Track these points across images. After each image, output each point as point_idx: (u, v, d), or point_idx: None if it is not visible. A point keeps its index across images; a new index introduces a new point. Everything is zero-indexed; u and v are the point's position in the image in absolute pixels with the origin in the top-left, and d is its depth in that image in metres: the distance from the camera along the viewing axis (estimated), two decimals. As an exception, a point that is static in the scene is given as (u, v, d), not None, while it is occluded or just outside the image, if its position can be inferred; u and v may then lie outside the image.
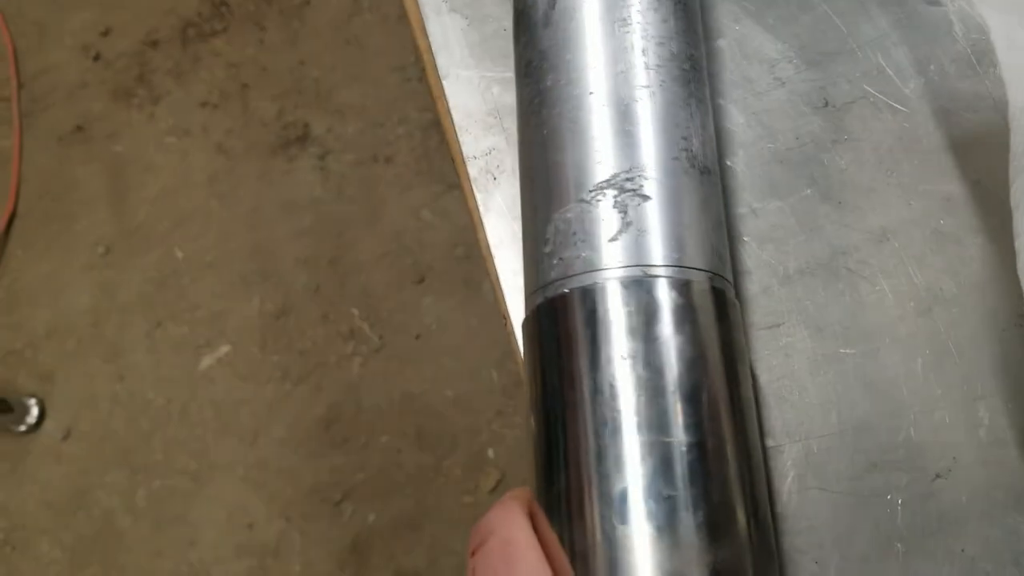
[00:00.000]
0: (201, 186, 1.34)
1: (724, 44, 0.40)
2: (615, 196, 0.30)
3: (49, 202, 1.36)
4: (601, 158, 0.30)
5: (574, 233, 0.30)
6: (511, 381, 1.21)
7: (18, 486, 1.23)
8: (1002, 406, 0.34)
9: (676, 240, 0.29)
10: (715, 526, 0.26)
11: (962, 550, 0.33)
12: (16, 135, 1.39)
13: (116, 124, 1.38)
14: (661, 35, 0.32)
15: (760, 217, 0.37)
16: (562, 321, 0.29)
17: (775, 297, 0.36)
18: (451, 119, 0.43)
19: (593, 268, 0.29)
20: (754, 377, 0.35)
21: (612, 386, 0.27)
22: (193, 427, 1.22)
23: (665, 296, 0.28)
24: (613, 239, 0.29)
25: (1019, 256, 0.29)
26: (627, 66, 0.31)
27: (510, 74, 0.43)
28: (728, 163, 0.38)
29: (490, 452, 1.18)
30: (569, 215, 0.30)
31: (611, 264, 0.29)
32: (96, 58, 1.42)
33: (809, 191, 0.37)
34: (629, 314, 0.28)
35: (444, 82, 0.43)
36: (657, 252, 0.29)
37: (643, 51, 0.32)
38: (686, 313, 0.28)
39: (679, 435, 0.27)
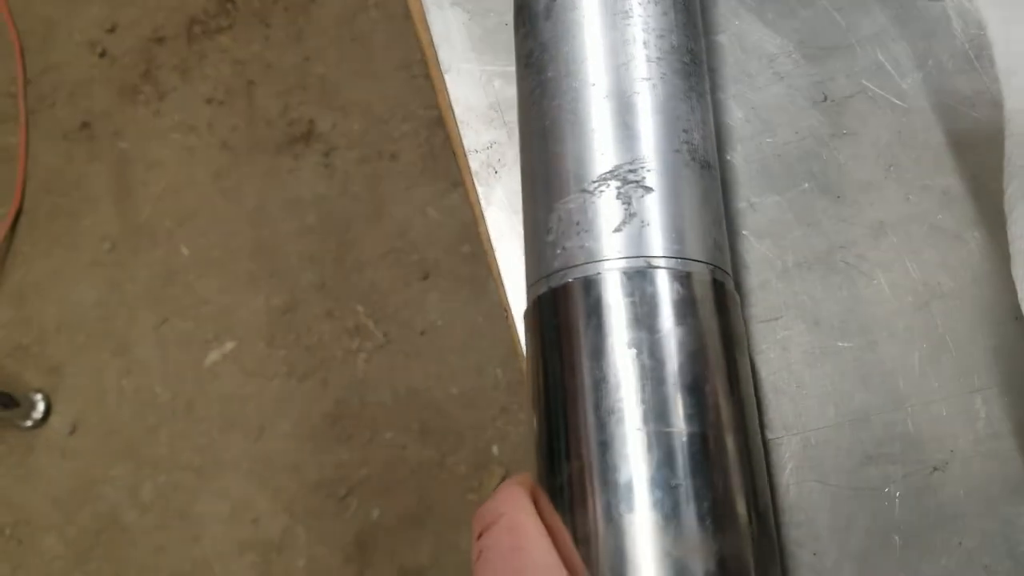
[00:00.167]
0: (206, 183, 1.34)
1: (724, 39, 0.40)
2: (618, 187, 0.30)
3: (55, 198, 1.37)
4: (604, 149, 0.31)
5: (577, 223, 0.30)
6: (516, 378, 1.21)
7: (24, 480, 1.24)
8: (999, 399, 0.34)
9: (678, 232, 0.30)
10: (719, 515, 0.26)
11: (959, 542, 0.33)
12: (22, 132, 1.40)
13: (122, 121, 1.39)
14: (662, 28, 0.32)
15: (758, 211, 0.37)
16: (564, 311, 0.29)
17: (773, 291, 0.36)
18: (453, 113, 0.43)
19: (596, 258, 0.29)
20: (754, 369, 0.35)
21: (616, 376, 0.27)
22: (199, 422, 1.23)
23: (667, 287, 0.29)
24: (617, 230, 0.29)
25: (1014, 260, 0.29)
26: (628, 58, 0.32)
27: (512, 68, 0.43)
28: (727, 157, 0.38)
29: (495, 449, 1.19)
30: (572, 205, 0.30)
31: (614, 254, 0.29)
32: (102, 55, 1.43)
33: (807, 185, 0.37)
34: (632, 304, 0.28)
35: (446, 76, 0.43)
36: (660, 243, 0.29)
37: (644, 43, 0.32)
38: (688, 304, 0.29)
39: (684, 425, 0.27)
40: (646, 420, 0.27)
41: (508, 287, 0.40)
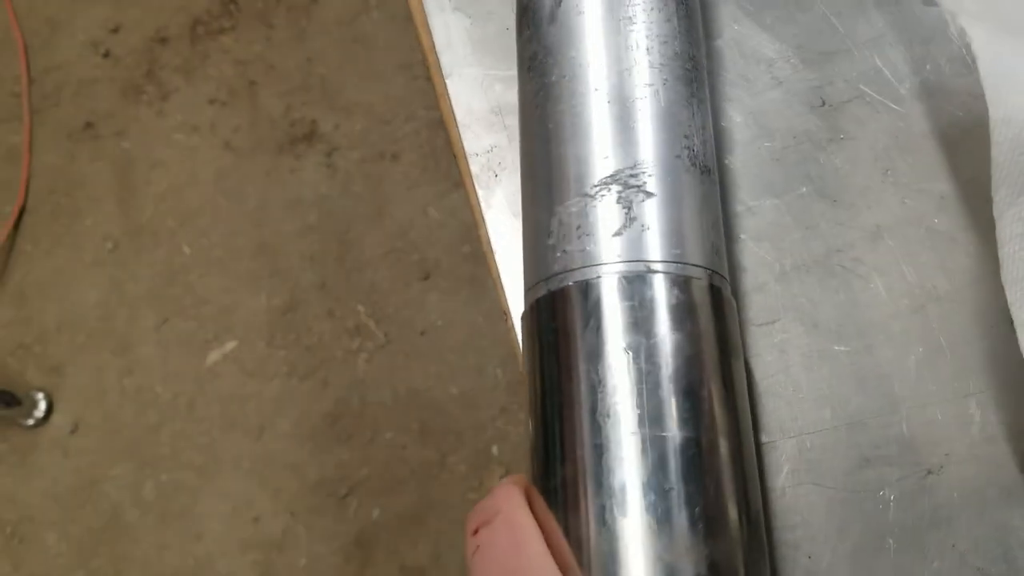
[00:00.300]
0: (209, 183, 1.35)
1: (722, 43, 0.40)
2: (619, 192, 0.30)
3: (58, 198, 1.37)
4: (605, 154, 0.31)
5: (578, 227, 0.30)
6: (516, 378, 1.21)
7: (26, 479, 1.24)
8: (994, 402, 0.34)
9: (677, 237, 0.30)
10: (710, 520, 0.26)
11: (953, 545, 0.33)
12: (26, 131, 1.40)
13: (125, 121, 1.39)
14: (665, 34, 0.33)
15: (756, 215, 0.37)
16: (563, 313, 0.29)
17: (770, 294, 0.36)
18: (454, 117, 0.43)
19: (596, 262, 0.30)
20: (749, 374, 0.36)
21: (612, 379, 0.28)
22: (200, 421, 1.24)
23: (666, 292, 0.29)
24: (617, 234, 0.30)
25: (1003, 265, 0.30)
26: (631, 64, 0.32)
27: (512, 72, 0.43)
28: (725, 161, 0.38)
29: (494, 449, 1.19)
30: (573, 209, 0.31)
31: (614, 258, 0.29)
32: (106, 55, 1.43)
33: (805, 189, 0.38)
34: (631, 308, 0.28)
35: (447, 80, 0.44)
36: (659, 248, 0.30)
37: (647, 50, 0.32)
38: (686, 309, 0.29)
39: (678, 430, 0.27)
40: (641, 424, 0.27)
41: (508, 290, 0.40)
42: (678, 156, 0.31)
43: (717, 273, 0.31)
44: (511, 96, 0.43)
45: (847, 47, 0.39)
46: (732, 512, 0.27)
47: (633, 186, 0.30)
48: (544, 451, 0.29)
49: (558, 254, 0.30)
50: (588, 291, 0.29)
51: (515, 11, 0.38)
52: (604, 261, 0.29)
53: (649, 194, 0.30)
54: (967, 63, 0.38)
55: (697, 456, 0.27)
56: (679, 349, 0.28)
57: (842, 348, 0.35)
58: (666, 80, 0.32)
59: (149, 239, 1.33)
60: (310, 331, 1.26)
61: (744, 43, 0.40)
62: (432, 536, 1.16)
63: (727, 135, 0.39)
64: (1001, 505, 0.33)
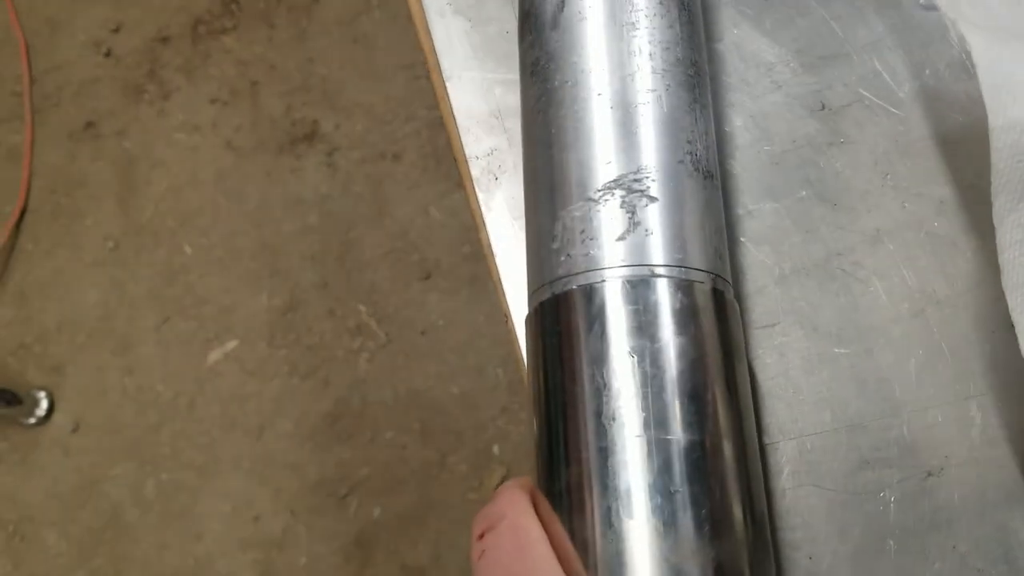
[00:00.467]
0: (210, 182, 1.35)
1: (722, 47, 0.41)
2: (623, 196, 0.30)
3: (59, 197, 1.37)
4: (609, 159, 0.31)
5: (582, 231, 0.30)
6: (516, 378, 1.22)
7: (27, 478, 1.24)
8: (993, 405, 0.34)
9: (681, 241, 0.30)
10: (716, 522, 0.27)
11: (953, 547, 0.33)
12: (28, 130, 1.40)
13: (126, 120, 1.40)
14: (667, 40, 0.33)
15: (756, 218, 0.38)
16: (568, 317, 0.30)
17: (770, 297, 0.36)
18: (454, 120, 0.43)
19: (600, 266, 0.30)
20: (753, 377, 0.36)
21: (617, 383, 0.28)
22: (200, 421, 1.24)
23: (670, 296, 0.29)
24: (621, 238, 0.30)
25: (1003, 271, 0.30)
26: (634, 69, 0.32)
27: (513, 76, 0.43)
28: (725, 165, 0.39)
29: (495, 449, 1.19)
30: (577, 213, 0.31)
31: (618, 263, 0.30)
32: (107, 54, 1.44)
33: (805, 193, 0.38)
34: (635, 312, 0.29)
35: (447, 83, 0.44)
36: (663, 253, 0.30)
37: (650, 55, 0.32)
38: (689, 313, 0.29)
39: (683, 432, 0.27)
40: (646, 427, 0.27)
41: (508, 292, 0.40)
42: (681, 161, 0.31)
43: (720, 277, 0.31)
44: (511, 99, 0.43)
45: (846, 51, 0.40)
46: (738, 514, 0.27)
47: (637, 191, 0.30)
48: (548, 453, 0.29)
49: (562, 258, 0.31)
50: (592, 295, 0.29)
51: (516, 16, 0.38)
52: (608, 265, 0.30)
53: (652, 199, 0.30)
54: (966, 68, 0.38)
55: (702, 458, 0.27)
56: (683, 353, 0.28)
57: (842, 351, 0.36)
58: (668, 86, 0.32)
59: (150, 239, 1.33)
60: (311, 331, 1.26)
61: (744, 47, 0.40)
62: (432, 536, 1.16)
63: (727, 139, 0.39)
64: (1001, 507, 0.33)
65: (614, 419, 0.27)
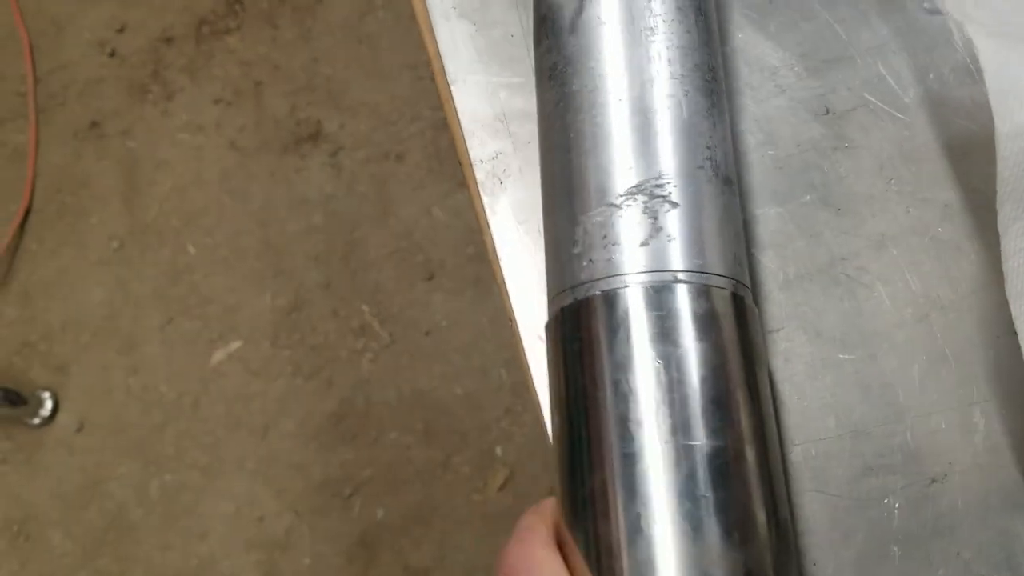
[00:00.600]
0: (214, 182, 1.35)
1: (726, 51, 0.41)
2: (645, 202, 0.30)
3: (64, 197, 1.37)
4: (630, 164, 0.31)
5: (604, 236, 0.30)
6: (520, 380, 1.22)
7: (32, 478, 1.25)
8: (997, 412, 0.34)
9: (702, 247, 0.30)
10: (743, 527, 0.27)
11: (957, 553, 0.33)
12: (32, 130, 1.41)
13: (130, 120, 1.40)
14: (685, 45, 0.33)
15: (760, 223, 0.38)
16: (590, 322, 0.30)
17: (775, 302, 0.36)
18: (459, 123, 0.43)
19: (623, 271, 0.30)
20: (772, 382, 0.36)
21: (643, 389, 0.28)
22: (205, 421, 1.24)
23: (693, 301, 0.29)
24: (643, 243, 0.30)
25: (1007, 279, 0.30)
26: (654, 75, 0.32)
27: (517, 79, 0.43)
28: (730, 169, 0.39)
29: (498, 450, 1.19)
30: (599, 218, 0.31)
31: (641, 268, 0.30)
32: (111, 54, 1.44)
33: (809, 198, 0.38)
34: (659, 318, 0.29)
35: (452, 87, 0.44)
36: (685, 258, 0.30)
37: (669, 61, 0.32)
38: (712, 319, 0.29)
39: (710, 438, 0.28)
40: (674, 433, 0.27)
41: (513, 296, 0.40)
42: (701, 167, 0.31)
43: (740, 282, 0.31)
44: (516, 103, 0.43)
45: (850, 55, 0.40)
46: (763, 518, 0.28)
47: (658, 196, 0.30)
48: (570, 458, 0.29)
49: (584, 263, 0.31)
50: (616, 300, 0.29)
51: (521, 20, 0.38)
52: (631, 271, 0.30)
53: (674, 204, 0.30)
54: (971, 72, 0.38)
55: (729, 464, 0.27)
56: (707, 358, 0.28)
57: (846, 357, 0.36)
58: (687, 91, 0.32)
59: (154, 238, 1.33)
60: (315, 331, 1.27)
61: (748, 51, 0.40)
62: (436, 536, 1.16)
63: (732, 143, 0.39)
64: (1004, 513, 0.33)
65: (641, 425, 0.27)
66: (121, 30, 1.45)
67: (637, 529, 0.26)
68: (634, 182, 0.31)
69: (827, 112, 0.39)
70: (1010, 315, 0.30)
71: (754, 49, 0.40)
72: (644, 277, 0.29)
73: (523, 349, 0.40)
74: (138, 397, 1.26)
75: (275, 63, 1.41)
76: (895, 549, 0.33)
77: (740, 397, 0.29)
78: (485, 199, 0.42)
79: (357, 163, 1.34)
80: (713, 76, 0.33)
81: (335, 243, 1.31)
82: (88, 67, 1.44)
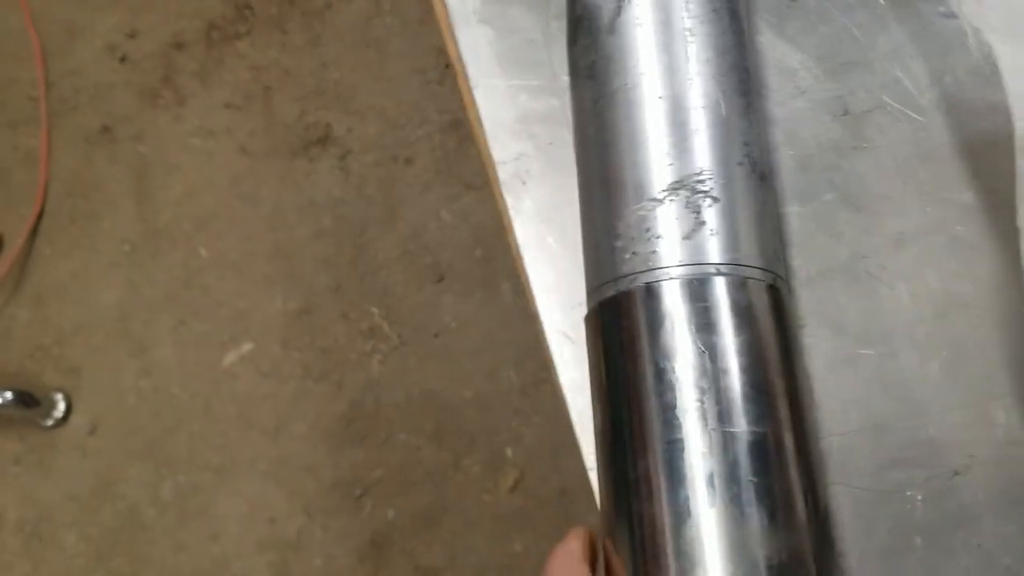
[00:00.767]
0: (224, 186, 1.36)
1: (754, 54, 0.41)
2: (687, 197, 0.31)
3: (76, 201, 1.38)
4: (671, 160, 0.32)
5: (647, 229, 0.31)
6: (529, 381, 1.22)
7: (45, 479, 1.26)
8: (1017, 405, 0.35)
9: (742, 241, 0.31)
10: (786, 511, 0.28)
11: (979, 544, 0.34)
12: (44, 134, 1.42)
13: (142, 125, 1.41)
14: (722, 46, 0.34)
15: (782, 221, 0.38)
16: (635, 314, 0.31)
17: (797, 299, 0.37)
18: (481, 126, 0.44)
19: (667, 264, 0.31)
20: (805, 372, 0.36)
21: (688, 378, 0.29)
22: (216, 422, 1.25)
23: (735, 293, 0.30)
24: (686, 237, 0.31)
25: None
26: (693, 74, 0.33)
27: (537, 82, 0.44)
28: (751, 170, 0.39)
29: (508, 451, 1.20)
30: (642, 212, 0.32)
31: (683, 261, 0.31)
32: (123, 59, 1.45)
33: (829, 197, 0.38)
34: (704, 309, 0.30)
35: (474, 91, 0.45)
36: (726, 251, 0.31)
37: (707, 61, 0.33)
38: (753, 309, 0.30)
39: (754, 425, 0.29)
40: (720, 420, 0.28)
41: (536, 293, 0.41)
42: (740, 163, 0.32)
43: (777, 275, 0.32)
44: (536, 105, 0.44)
45: (868, 58, 0.40)
46: (802, 503, 0.29)
47: (700, 191, 0.31)
48: (614, 444, 0.30)
49: (627, 256, 0.31)
50: (660, 292, 0.30)
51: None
52: (674, 263, 0.31)
53: (715, 199, 0.31)
54: (986, 75, 0.39)
55: (771, 450, 0.28)
56: (749, 348, 0.29)
57: (868, 352, 0.36)
58: (725, 90, 0.33)
59: (166, 242, 1.34)
60: (325, 333, 1.27)
61: (767, 54, 0.41)
62: (447, 537, 1.17)
63: (752, 144, 0.40)
64: (1024, 505, 0.34)
65: (687, 413, 0.28)
66: (132, 35, 1.46)
67: (686, 511, 0.27)
68: (675, 178, 0.32)
69: (846, 113, 0.40)
70: (1029, 311, 0.31)
71: (773, 52, 0.41)
72: (686, 270, 0.30)
73: (546, 345, 0.40)
74: (150, 399, 1.27)
75: (284, 68, 1.42)
76: (918, 540, 0.34)
77: (779, 385, 0.30)
78: (508, 199, 0.43)
79: (366, 166, 1.35)
80: (748, 75, 0.34)
81: (344, 246, 1.31)
82: (99, 72, 1.45)
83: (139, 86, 1.43)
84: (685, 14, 0.34)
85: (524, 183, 0.43)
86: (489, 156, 0.44)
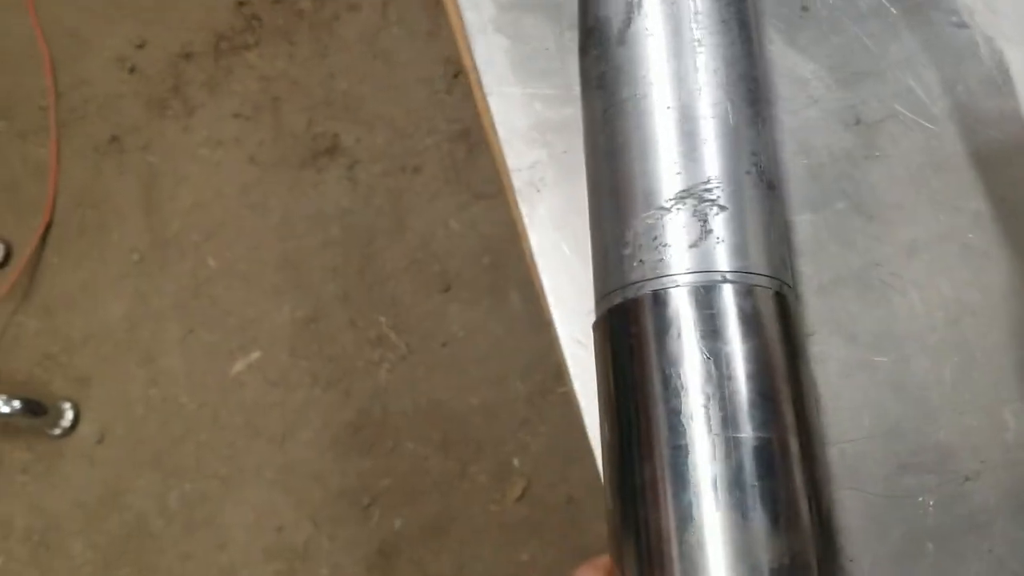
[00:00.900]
0: (233, 196, 1.37)
1: (764, 64, 0.42)
2: (695, 205, 0.32)
3: (85, 211, 1.39)
4: (680, 169, 0.32)
5: (655, 238, 0.32)
6: (536, 390, 1.22)
7: (53, 488, 1.26)
8: (1029, 412, 0.35)
9: (749, 248, 0.32)
10: (789, 515, 0.28)
11: (990, 550, 0.34)
12: (53, 145, 1.43)
13: (151, 135, 1.42)
14: (731, 56, 0.35)
15: (795, 229, 0.39)
16: (642, 320, 0.31)
17: (809, 306, 0.38)
18: (496, 134, 0.45)
19: (674, 271, 0.31)
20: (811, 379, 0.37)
21: (694, 384, 0.29)
22: (224, 431, 1.25)
23: (741, 300, 0.31)
24: (693, 245, 0.31)
25: None
26: (701, 84, 0.34)
27: (551, 91, 0.45)
28: (763, 178, 0.40)
29: (515, 461, 1.20)
30: (650, 221, 0.32)
31: (690, 268, 0.31)
32: (132, 70, 1.46)
33: (842, 205, 0.39)
34: (710, 316, 0.30)
35: (489, 99, 0.45)
36: (733, 259, 0.31)
37: (715, 71, 0.34)
38: (759, 317, 0.31)
39: (758, 430, 0.29)
40: (724, 426, 0.28)
41: (551, 299, 0.41)
42: (747, 172, 0.33)
43: (784, 283, 0.32)
44: (551, 113, 0.44)
45: (880, 68, 0.41)
46: (806, 507, 0.29)
47: (708, 200, 0.32)
48: (621, 449, 0.30)
49: (635, 263, 0.32)
50: (667, 299, 0.31)
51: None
52: (681, 271, 0.31)
53: (723, 208, 0.32)
54: (998, 84, 0.39)
55: (775, 455, 0.28)
56: (755, 355, 0.30)
57: (880, 359, 0.37)
58: (733, 100, 0.34)
59: (174, 252, 1.35)
60: (332, 342, 1.28)
61: (780, 63, 0.42)
62: (455, 546, 1.16)
63: (765, 152, 0.40)
64: (1037, 511, 0.34)
65: (692, 418, 0.29)
66: (141, 46, 1.47)
67: (689, 516, 0.28)
68: (683, 186, 0.32)
69: (858, 122, 0.40)
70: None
71: (785, 61, 0.42)
72: (693, 277, 0.31)
73: (561, 351, 0.41)
74: (158, 408, 1.27)
75: (293, 78, 1.43)
76: (930, 545, 0.34)
77: (785, 391, 0.30)
78: (523, 207, 0.43)
79: (374, 176, 1.36)
80: (756, 85, 0.35)
81: (352, 255, 1.32)
82: (108, 82, 1.46)
83: (148, 96, 1.44)
84: (694, 25, 0.34)
85: (539, 191, 0.43)
86: (504, 164, 0.44)
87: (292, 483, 1.22)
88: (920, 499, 0.35)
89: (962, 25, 0.40)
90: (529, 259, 0.42)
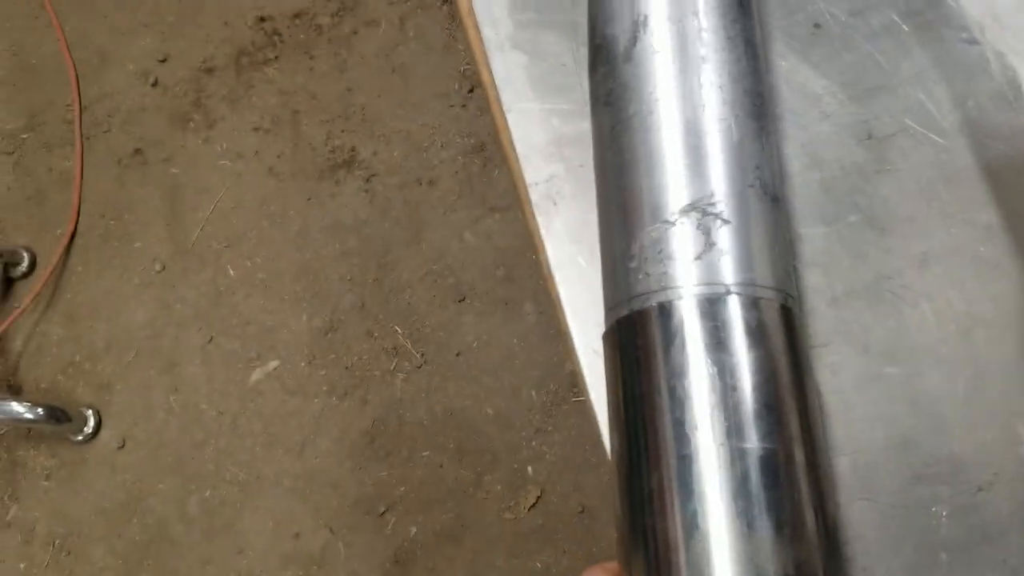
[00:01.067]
0: (253, 207, 1.39)
1: (771, 79, 0.43)
2: (699, 219, 0.32)
3: (108, 221, 1.42)
4: (685, 183, 0.33)
5: (660, 251, 0.32)
6: (550, 400, 1.23)
7: (75, 494, 1.28)
8: (1041, 423, 0.35)
9: (752, 261, 0.32)
10: (794, 525, 0.28)
11: (1004, 560, 0.34)
12: (78, 157, 1.45)
13: (173, 147, 1.44)
14: (735, 73, 0.35)
15: (807, 242, 0.39)
16: (648, 332, 0.32)
17: (823, 318, 0.38)
18: (514, 149, 0.46)
19: (678, 284, 0.32)
20: (818, 390, 0.37)
21: (699, 394, 0.30)
22: (243, 438, 1.27)
23: (745, 312, 0.31)
24: (697, 258, 0.32)
25: None
26: (706, 100, 0.34)
27: (569, 106, 0.46)
28: (777, 192, 0.40)
29: (530, 470, 1.20)
30: (655, 234, 0.33)
31: (694, 281, 0.32)
32: (154, 84, 1.49)
33: (854, 218, 0.39)
34: (714, 328, 0.31)
35: (507, 115, 0.46)
36: (737, 272, 0.32)
37: (720, 87, 0.35)
38: (763, 329, 0.31)
39: (763, 441, 0.29)
40: (729, 436, 0.29)
41: (568, 311, 0.42)
42: (751, 186, 0.33)
43: (788, 294, 0.33)
44: (568, 129, 0.45)
45: (892, 83, 0.41)
46: (811, 516, 0.29)
47: (711, 214, 0.32)
48: (629, 460, 0.31)
49: (640, 276, 0.33)
50: (671, 311, 0.31)
51: (573, 50, 0.41)
52: (685, 283, 0.32)
53: (726, 221, 0.32)
54: (1008, 99, 0.40)
55: (780, 465, 0.29)
56: (759, 366, 0.30)
57: (892, 371, 0.37)
58: (738, 115, 0.34)
59: (196, 261, 1.37)
60: (349, 351, 1.29)
61: (792, 79, 0.42)
62: (469, 555, 1.17)
63: (778, 167, 0.41)
64: (1049, 522, 0.34)
65: (697, 428, 0.29)
66: (164, 60, 1.50)
67: (694, 525, 0.28)
68: (688, 200, 0.33)
69: (869, 137, 0.41)
70: (1052, 329, 0.32)
71: (797, 77, 0.42)
72: (698, 289, 0.31)
73: (577, 361, 0.41)
74: (179, 415, 1.29)
75: (312, 93, 1.45)
76: (943, 556, 0.35)
77: (789, 402, 0.30)
78: (540, 220, 0.44)
79: (390, 189, 1.37)
80: (761, 100, 0.35)
81: (369, 266, 1.33)
82: (132, 96, 1.49)
83: (170, 110, 1.46)
84: (699, 43, 0.35)
85: (555, 204, 0.44)
86: (521, 178, 0.45)
87: (309, 490, 1.23)
88: (934, 509, 0.35)
89: (972, 41, 0.41)
90: (546, 271, 0.43)
